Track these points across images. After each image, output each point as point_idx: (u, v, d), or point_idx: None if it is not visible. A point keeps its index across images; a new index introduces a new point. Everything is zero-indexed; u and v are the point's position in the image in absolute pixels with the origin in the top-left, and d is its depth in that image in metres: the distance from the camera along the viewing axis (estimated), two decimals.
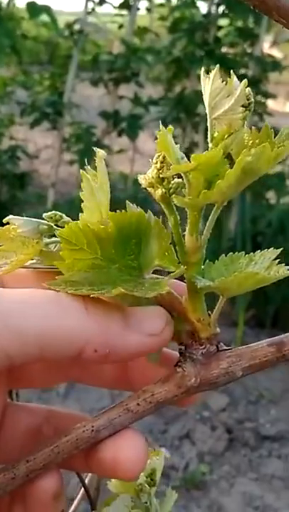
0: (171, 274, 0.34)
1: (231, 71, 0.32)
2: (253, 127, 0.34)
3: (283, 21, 0.38)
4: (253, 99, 0.33)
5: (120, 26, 2.94)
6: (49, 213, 0.39)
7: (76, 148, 2.87)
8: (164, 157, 0.35)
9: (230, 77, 0.33)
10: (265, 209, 2.83)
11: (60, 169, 3.13)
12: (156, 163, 0.35)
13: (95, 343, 0.33)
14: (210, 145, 0.34)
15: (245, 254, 0.38)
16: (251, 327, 2.58)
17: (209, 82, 0.32)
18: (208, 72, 0.34)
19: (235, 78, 0.32)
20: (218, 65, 0.32)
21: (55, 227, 0.39)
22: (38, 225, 0.39)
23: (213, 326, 0.37)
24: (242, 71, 2.83)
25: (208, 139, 0.34)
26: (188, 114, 2.73)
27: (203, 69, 0.33)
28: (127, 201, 0.35)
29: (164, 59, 2.88)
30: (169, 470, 1.87)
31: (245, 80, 0.32)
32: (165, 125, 0.35)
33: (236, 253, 0.37)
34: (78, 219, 0.36)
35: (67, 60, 2.87)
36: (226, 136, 0.33)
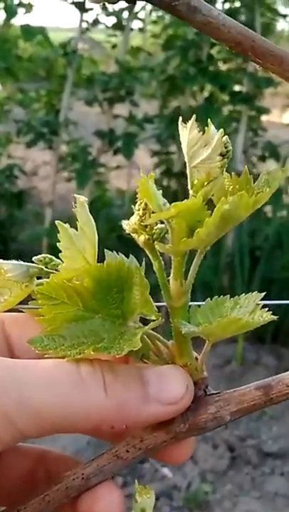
0: (150, 324, 0.34)
1: (208, 120, 0.33)
2: (232, 173, 0.35)
3: (259, 61, 0.38)
4: (230, 147, 0.33)
5: (114, 46, 2.96)
6: (39, 256, 0.40)
7: (72, 167, 2.88)
8: (146, 204, 0.35)
9: (207, 126, 0.33)
10: (262, 223, 2.83)
11: (58, 186, 3.14)
12: (139, 210, 0.35)
13: (112, 421, 0.33)
14: (190, 192, 0.34)
15: (230, 297, 0.37)
16: (251, 343, 2.57)
17: (186, 132, 0.33)
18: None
19: (212, 127, 0.33)
20: (194, 116, 0.32)
21: (45, 269, 0.39)
22: (27, 268, 0.39)
23: (201, 371, 0.37)
24: (236, 87, 2.85)
25: (189, 186, 0.34)
26: None
27: (180, 120, 0.33)
28: (105, 250, 0.36)
29: (158, 77, 2.90)
30: (171, 490, 1.86)
31: (221, 130, 0.32)
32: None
33: (221, 297, 0.37)
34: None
35: (62, 79, 2.89)
36: (205, 184, 0.33)
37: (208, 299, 0.37)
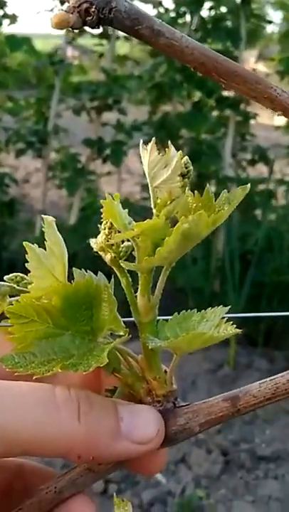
0: (117, 340, 0.35)
1: (169, 142, 0.34)
2: (195, 191, 0.36)
3: (223, 81, 0.39)
4: (191, 167, 0.34)
5: (101, 55, 2.98)
6: (10, 275, 0.40)
7: (62, 175, 2.89)
8: (111, 223, 0.36)
9: (167, 148, 0.34)
10: (252, 227, 2.85)
11: (50, 192, 3.14)
12: (105, 229, 0.36)
13: (80, 451, 0.33)
14: (154, 211, 0.35)
15: (200, 312, 0.38)
16: (244, 346, 2.58)
17: (147, 154, 0.34)
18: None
19: (172, 149, 0.34)
20: (154, 138, 0.33)
21: (17, 287, 0.40)
22: None
23: (170, 384, 0.38)
24: (224, 93, 2.86)
25: (152, 205, 0.35)
26: (172, 137, 2.76)
27: (141, 141, 0.34)
28: (73, 268, 0.36)
29: (146, 84, 2.92)
30: (165, 496, 1.86)
31: (180, 151, 0.33)
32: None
33: (189, 311, 0.38)
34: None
35: (51, 87, 2.90)
36: (167, 203, 0.34)
37: (176, 313, 0.38)
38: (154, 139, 0.33)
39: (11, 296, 0.40)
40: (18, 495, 0.40)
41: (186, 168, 0.34)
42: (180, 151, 0.33)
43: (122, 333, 0.36)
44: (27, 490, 0.39)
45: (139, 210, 2.58)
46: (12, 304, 0.36)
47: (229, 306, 0.36)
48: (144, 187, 3.16)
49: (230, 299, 2.59)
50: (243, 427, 2.17)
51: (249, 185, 0.34)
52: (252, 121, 3.16)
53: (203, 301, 2.59)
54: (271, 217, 3.01)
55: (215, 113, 3.04)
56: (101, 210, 0.36)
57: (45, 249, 0.38)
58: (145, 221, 0.34)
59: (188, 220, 0.32)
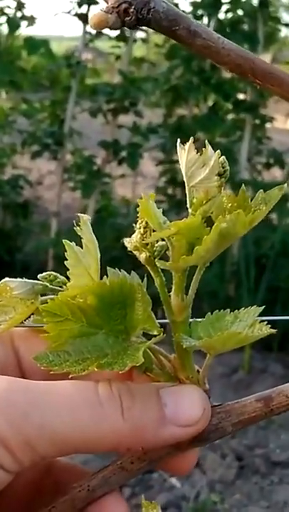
0: (152, 339, 0.35)
1: (206, 141, 0.34)
2: (230, 191, 0.36)
3: (259, 82, 0.39)
4: (228, 167, 0.34)
5: (117, 57, 2.99)
6: (44, 274, 0.41)
7: (77, 177, 2.90)
8: (146, 222, 0.36)
9: (205, 147, 0.34)
10: (267, 231, 2.84)
11: (64, 195, 3.16)
12: (140, 228, 0.37)
13: (129, 444, 0.34)
14: (189, 210, 0.35)
15: (232, 312, 0.38)
16: (258, 351, 2.57)
17: (184, 153, 0.34)
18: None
19: (209, 148, 0.34)
20: (192, 138, 0.33)
21: (50, 286, 0.40)
22: (32, 285, 0.40)
23: (202, 383, 0.38)
24: (240, 96, 2.86)
25: (188, 205, 0.35)
26: (188, 140, 2.76)
27: (179, 141, 0.34)
28: (108, 267, 0.36)
29: (162, 87, 2.92)
30: (179, 500, 1.86)
31: (218, 151, 0.33)
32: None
33: (222, 311, 0.38)
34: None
35: (66, 89, 2.91)
36: (203, 202, 0.34)
37: (209, 313, 0.38)
38: (192, 138, 0.33)
39: (42, 295, 0.40)
40: (49, 491, 0.40)
41: (223, 167, 0.34)
42: (218, 151, 0.33)
43: (156, 333, 0.36)
44: (57, 487, 0.40)
45: None
46: (46, 303, 0.36)
47: (264, 306, 0.36)
48: (158, 190, 3.16)
49: (245, 303, 2.57)
50: (257, 432, 2.16)
51: (286, 185, 0.34)
52: (267, 125, 3.15)
53: (218, 305, 2.56)
54: (287, 221, 2.99)
55: (231, 116, 3.04)
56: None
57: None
58: (182, 220, 0.34)
59: (226, 220, 0.32)
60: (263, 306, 0.36)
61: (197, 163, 0.33)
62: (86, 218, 0.38)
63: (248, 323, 0.36)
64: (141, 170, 3.71)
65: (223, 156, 0.34)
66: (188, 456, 0.38)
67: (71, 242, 0.37)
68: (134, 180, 3.39)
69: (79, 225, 0.37)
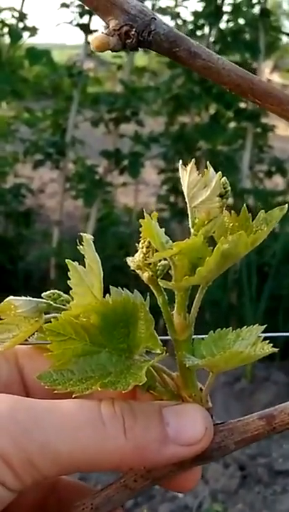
0: (155, 358, 0.35)
1: (208, 163, 0.34)
2: (232, 211, 0.36)
3: (258, 102, 0.40)
4: (229, 188, 0.34)
5: (119, 67, 3.00)
6: (48, 292, 0.41)
7: (79, 187, 2.91)
8: (149, 242, 0.37)
9: (206, 169, 0.34)
10: (270, 239, 2.84)
11: (65, 203, 3.16)
12: (142, 247, 0.37)
13: (131, 464, 0.34)
14: (192, 230, 0.36)
15: (234, 330, 0.39)
16: (261, 359, 2.54)
17: (187, 175, 0.34)
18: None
19: (211, 170, 0.34)
20: (193, 160, 0.34)
21: (54, 304, 0.40)
22: (37, 304, 0.40)
23: (205, 401, 0.38)
24: (241, 105, 2.87)
25: (190, 225, 0.36)
26: (189, 149, 2.77)
27: (180, 162, 0.35)
28: (110, 286, 0.37)
29: (164, 95, 2.94)
30: (182, 510, 1.85)
31: (220, 172, 0.34)
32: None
33: (224, 329, 0.38)
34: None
35: (68, 99, 2.93)
36: (205, 223, 0.35)
37: (212, 331, 0.39)
38: (193, 160, 0.34)
39: (46, 313, 0.40)
40: (53, 510, 0.40)
41: (225, 188, 0.34)
42: (219, 172, 0.34)
43: (158, 351, 0.36)
44: (61, 505, 0.40)
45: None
46: (50, 321, 0.36)
47: (265, 325, 0.37)
48: (160, 198, 3.17)
49: (247, 312, 2.59)
50: (260, 442, 2.15)
51: (287, 206, 0.35)
52: (269, 133, 3.16)
53: (220, 314, 2.58)
54: (288, 230, 2.99)
55: (232, 125, 3.05)
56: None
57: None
58: (184, 241, 0.34)
59: (228, 241, 0.33)
60: (265, 325, 0.37)
61: (199, 185, 0.34)
62: (89, 238, 0.38)
63: (250, 342, 0.37)
64: (143, 178, 3.71)
65: (225, 178, 0.34)
66: (191, 473, 0.38)
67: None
68: (136, 189, 3.39)
69: (82, 244, 0.37)
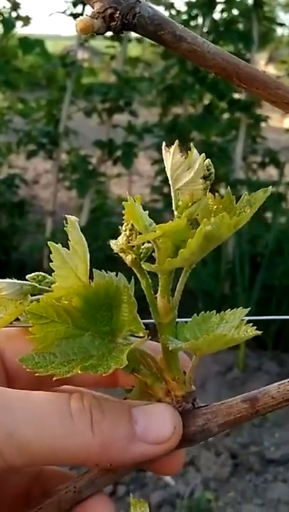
0: (137, 341, 0.35)
1: (191, 144, 0.34)
2: (216, 193, 0.36)
3: (244, 86, 0.40)
4: (213, 170, 0.34)
5: (112, 57, 2.99)
6: (32, 274, 0.41)
7: (73, 177, 2.90)
8: (132, 225, 0.36)
9: (190, 150, 0.34)
10: (262, 230, 2.84)
11: (59, 194, 3.16)
12: (126, 230, 0.37)
13: (97, 460, 0.34)
14: (175, 213, 0.35)
15: (219, 313, 0.39)
16: (253, 349, 2.58)
17: (170, 156, 0.34)
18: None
19: (195, 151, 0.34)
20: (177, 141, 0.34)
21: (39, 286, 0.40)
22: (21, 286, 0.40)
23: (188, 384, 0.38)
24: (235, 96, 2.86)
25: (174, 208, 0.36)
26: (183, 140, 2.76)
27: (164, 144, 0.34)
28: (94, 269, 0.37)
29: (157, 86, 2.92)
30: (174, 498, 1.86)
31: (203, 154, 0.33)
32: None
33: (208, 312, 0.38)
34: None
35: (62, 89, 2.91)
36: (189, 205, 0.35)
37: (195, 314, 0.39)
38: (176, 141, 0.34)
39: (32, 295, 0.40)
40: (36, 500, 0.40)
41: (208, 170, 0.34)
42: (203, 154, 0.34)
43: (141, 334, 0.36)
44: (45, 495, 0.40)
45: (149, 212, 2.57)
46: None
47: (249, 308, 0.37)
48: (154, 189, 3.16)
49: (239, 302, 2.59)
50: (252, 430, 2.16)
51: (271, 187, 0.35)
52: (263, 124, 3.15)
53: (213, 304, 2.59)
54: (281, 220, 3.00)
55: (226, 116, 3.04)
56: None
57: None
58: (167, 223, 0.34)
59: (210, 223, 0.33)
60: (248, 308, 0.37)
61: (182, 166, 0.34)
62: (74, 219, 0.38)
63: (234, 325, 0.37)
64: (137, 169, 3.71)
65: (208, 159, 0.34)
66: (175, 457, 0.38)
67: (66, 241, 0.38)
68: (129, 180, 3.39)
69: (67, 226, 0.37)
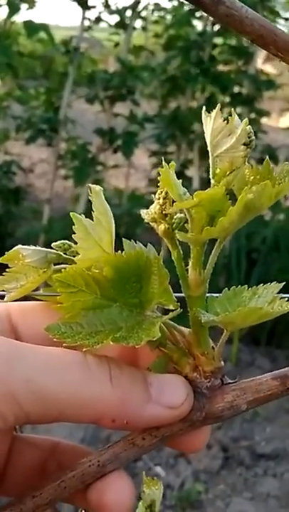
0: (169, 314, 0.34)
1: (232, 110, 0.33)
2: (254, 164, 0.35)
3: (281, 55, 0.39)
4: (254, 137, 0.33)
5: (116, 45, 2.96)
6: (58, 243, 0.39)
7: (72, 164, 2.88)
8: (166, 193, 0.35)
9: (231, 116, 0.33)
10: (260, 225, 2.84)
11: (55, 184, 3.14)
12: (159, 198, 0.36)
13: (115, 414, 0.33)
14: (212, 181, 0.34)
15: (244, 286, 0.38)
16: (246, 344, 2.58)
17: (211, 121, 0.33)
18: (209, 110, 0.35)
19: (236, 117, 0.33)
20: (219, 105, 0.32)
21: (64, 255, 0.39)
22: (46, 254, 0.39)
23: (218, 360, 0.37)
24: (236, 89, 2.85)
25: (210, 176, 0.34)
26: (183, 132, 2.75)
27: (204, 108, 0.33)
28: (123, 239, 0.36)
29: (159, 76, 2.91)
30: (164, 489, 1.86)
31: (246, 120, 0.32)
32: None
33: (239, 286, 0.37)
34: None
35: (63, 76, 2.89)
36: (227, 173, 0.34)
37: (226, 288, 0.38)
38: (219, 105, 0.33)
39: (55, 264, 0.39)
40: (53, 473, 0.39)
41: (249, 137, 0.33)
42: (246, 119, 0.32)
43: (172, 307, 0.35)
44: (61, 468, 0.39)
45: (146, 204, 2.57)
46: (60, 272, 0.35)
47: (284, 283, 0.36)
48: (151, 181, 3.14)
49: None
50: (243, 425, 2.16)
51: None
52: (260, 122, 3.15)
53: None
54: (279, 217, 3.00)
55: (227, 109, 3.03)
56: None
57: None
58: (205, 191, 0.33)
59: (252, 191, 0.32)
60: (284, 283, 0.36)
61: (223, 132, 0.33)
62: (98, 189, 0.36)
63: (268, 300, 0.36)
64: (133, 162, 3.69)
65: (250, 126, 0.33)
66: (200, 433, 0.37)
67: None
68: (128, 170, 3.37)
69: (91, 196, 0.36)
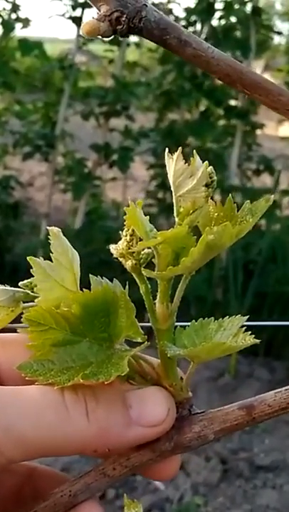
0: (137, 348, 0.35)
1: (194, 151, 0.34)
2: (217, 201, 0.36)
3: (247, 92, 0.40)
4: (215, 178, 0.34)
5: (111, 61, 2.99)
6: (25, 281, 0.41)
7: (68, 180, 2.90)
8: (133, 230, 0.37)
9: (192, 158, 0.34)
10: (256, 237, 2.85)
11: (54, 197, 3.15)
12: (126, 236, 0.37)
13: (95, 446, 0.34)
14: (176, 220, 0.36)
15: (217, 320, 0.39)
16: (244, 355, 2.58)
17: (173, 163, 0.34)
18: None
19: (197, 159, 0.34)
20: (180, 148, 0.34)
21: (31, 293, 0.40)
22: (13, 293, 0.40)
23: (186, 391, 0.38)
24: (231, 102, 2.88)
25: (175, 214, 0.36)
26: (179, 145, 2.76)
27: (167, 150, 0.34)
28: (90, 275, 0.37)
29: (155, 91, 2.93)
30: (163, 502, 1.86)
31: (206, 162, 0.34)
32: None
33: (206, 319, 0.39)
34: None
35: (59, 91, 2.91)
36: (190, 212, 0.35)
37: (193, 320, 0.39)
38: (180, 148, 0.34)
39: (24, 302, 0.40)
40: (27, 500, 0.40)
41: (211, 178, 0.34)
42: (206, 162, 0.34)
43: (140, 340, 0.36)
44: (37, 495, 0.39)
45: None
46: (28, 311, 0.36)
47: (247, 316, 0.37)
48: (149, 193, 3.16)
49: (232, 309, 2.60)
50: (242, 436, 2.16)
51: (272, 196, 0.35)
52: (258, 132, 3.17)
53: (205, 310, 2.59)
54: (275, 228, 3.01)
55: (222, 122, 3.05)
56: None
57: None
58: (168, 230, 0.34)
59: (213, 232, 0.33)
60: (247, 316, 0.37)
61: (185, 173, 0.34)
62: (56, 231, 0.37)
63: (232, 333, 0.37)
64: (132, 174, 3.71)
65: (211, 167, 0.34)
66: (170, 462, 0.38)
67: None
68: (124, 184, 3.39)
69: (49, 239, 0.37)
